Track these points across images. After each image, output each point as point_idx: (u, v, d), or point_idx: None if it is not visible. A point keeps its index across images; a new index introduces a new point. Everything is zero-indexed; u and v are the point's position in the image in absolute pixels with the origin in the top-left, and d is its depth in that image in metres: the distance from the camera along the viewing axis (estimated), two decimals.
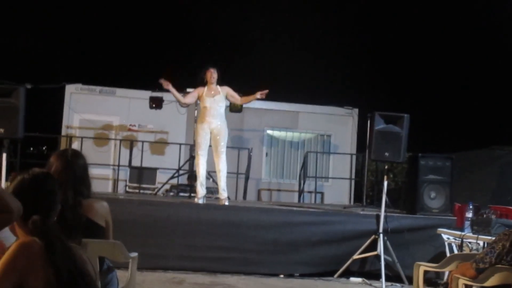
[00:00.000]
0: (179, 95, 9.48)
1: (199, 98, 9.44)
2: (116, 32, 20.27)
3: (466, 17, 18.01)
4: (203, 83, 9.43)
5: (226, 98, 9.44)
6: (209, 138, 9.35)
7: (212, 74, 9.37)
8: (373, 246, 8.59)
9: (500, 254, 3.80)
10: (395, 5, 19.61)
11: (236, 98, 9.58)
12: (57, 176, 3.87)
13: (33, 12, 19.46)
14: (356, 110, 15.78)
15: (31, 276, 2.46)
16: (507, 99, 17.40)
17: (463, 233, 7.30)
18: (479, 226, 7.11)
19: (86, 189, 4.02)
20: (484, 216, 7.28)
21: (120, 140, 14.52)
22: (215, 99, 9.30)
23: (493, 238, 4.10)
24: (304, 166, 14.35)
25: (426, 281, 7.68)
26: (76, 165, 4.00)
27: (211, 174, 10.23)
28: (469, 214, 7.50)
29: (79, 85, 15.04)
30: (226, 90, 9.43)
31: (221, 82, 9.46)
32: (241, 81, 12.23)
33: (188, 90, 12.63)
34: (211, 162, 9.49)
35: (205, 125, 9.30)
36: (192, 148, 11.92)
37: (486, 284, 3.86)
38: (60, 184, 3.73)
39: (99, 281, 2.88)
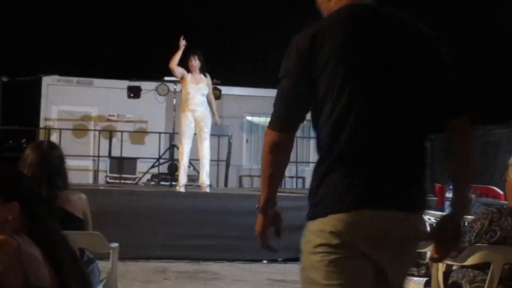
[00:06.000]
0: (177, 58, 9.32)
1: (182, 80, 9.38)
2: (91, 21, 20.11)
3: (452, 4, 18.07)
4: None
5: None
6: (193, 126, 9.32)
7: (192, 62, 9.31)
8: None
9: (479, 233, 3.82)
10: None
11: (210, 95, 9.53)
12: (32, 168, 3.84)
13: (7, 4, 19.25)
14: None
15: (9, 274, 2.44)
16: (486, 78, 17.50)
17: (443, 214, 7.34)
18: None
19: (62, 181, 3.98)
20: None
21: (99, 131, 14.45)
22: (199, 87, 9.27)
23: (473, 217, 4.12)
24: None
25: None
26: (51, 157, 3.96)
27: (191, 162, 10.21)
28: (450, 195, 7.55)
29: (56, 77, 14.94)
30: (209, 81, 9.42)
31: (206, 67, 9.40)
32: (221, 65, 12.19)
33: (166, 78, 12.60)
34: (193, 150, 9.48)
35: (188, 113, 9.27)
36: (172, 137, 11.88)
37: (466, 263, 3.88)
38: (34, 176, 3.71)
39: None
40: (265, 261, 8.55)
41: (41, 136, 13.59)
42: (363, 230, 2.34)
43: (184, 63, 9.40)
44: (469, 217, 6.40)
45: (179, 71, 9.32)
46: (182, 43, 9.29)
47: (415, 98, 2.45)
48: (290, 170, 14.43)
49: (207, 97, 9.44)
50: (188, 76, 9.30)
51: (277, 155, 2.49)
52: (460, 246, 3.90)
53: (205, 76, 9.36)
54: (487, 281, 3.77)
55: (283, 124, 2.48)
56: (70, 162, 4.24)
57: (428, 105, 2.48)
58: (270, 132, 2.48)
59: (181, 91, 9.91)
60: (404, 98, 2.43)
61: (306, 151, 15.62)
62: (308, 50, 2.40)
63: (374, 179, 2.37)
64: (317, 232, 2.39)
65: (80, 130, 14.71)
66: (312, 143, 15.56)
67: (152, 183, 12.15)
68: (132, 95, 13.41)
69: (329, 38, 2.39)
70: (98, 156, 13.75)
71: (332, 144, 2.40)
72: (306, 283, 2.45)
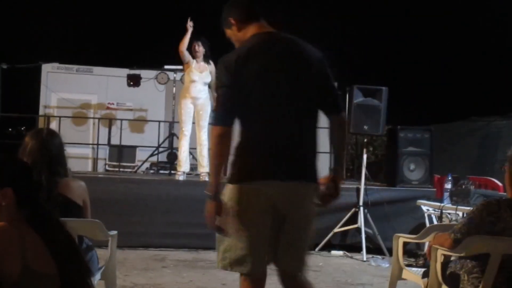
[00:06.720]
0: (187, 40, 9.25)
1: (186, 66, 9.32)
2: (91, 9, 20.06)
3: None
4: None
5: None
6: (193, 113, 9.29)
7: (195, 48, 9.23)
8: (353, 219, 8.63)
9: (478, 224, 3.82)
10: None
11: (213, 82, 9.47)
12: (32, 155, 3.84)
13: None
14: (335, 84, 15.74)
15: (8, 260, 2.44)
16: (486, 69, 17.47)
17: (442, 204, 7.35)
18: (458, 197, 7.17)
19: (62, 168, 3.99)
20: (463, 187, 7.34)
21: (99, 119, 14.42)
22: (202, 75, 9.19)
23: (472, 209, 4.12)
24: None
25: (407, 252, 7.73)
26: (51, 145, 3.97)
27: (190, 151, 10.20)
28: (448, 186, 7.55)
29: (56, 64, 14.86)
30: (213, 68, 9.33)
31: (210, 54, 9.30)
32: (221, 54, 12.07)
33: (166, 66, 12.57)
34: (192, 138, 9.46)
35: (189, 100, 9.22)
36: (172, 125, 11.86)
37: (465, 254, 3.88)
38: (34, 163, 3.71)
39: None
40: None
41: (41, 123, 13.57)
42: (267, 196, 3.29)
43: (188, 49, 9.35)
44: (468, 208, 6.42)
45: (187, 55, 9.26)
46: (190, 24, 9.22)
47: (306, 101, 3.41)
48: None
49: (209, 84, 9.37)
50: (193, 63, 9.22)
51: (223, 145, 3.29)
52: (458, 237, 3.91)
53: (208, 63, 9.28)
54: (485, 272, 3.78)
55: (224, 121, 3.29)
56: (69, 150, 4.25)
57: (315, 105, 3.49)
58: (215, 128, 3.33)
59: (181, 79, 9.85)
60: (298, 102, 3.38)
61: None
62: (234, 68, 3.29)
63: (275, 159, 3.31)
64: (232, 194, 3.32)
65: (79, 118, 14.68)
66: None
67: (151, 171, 12.14)
68: (131, 83, 13.36)
69: (248, 59, 3.31)
70: (98, 144, 13.75)
71: (245, 135, 3.33)
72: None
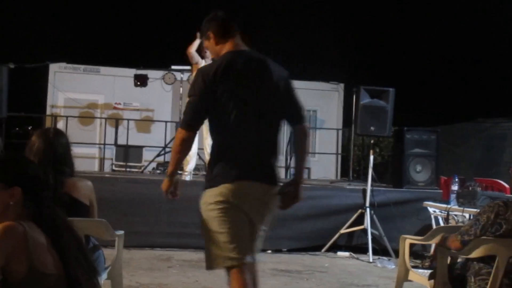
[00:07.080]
0: (195, 45, 9.36)
1: (195, 67, 9.34)
2: (99, 9, 20.08)
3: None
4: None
5: None
6: None
7: (204, 49, 9.28)
8: (360, 220, 8.63)
9: (485, 226, 3.81)
10: None
11: None
12: (39, 155, 3.85)
13: None
14: (342, 85, 15.74)
15: (15, 259, 2.44)
16: (493, 72, 17.43)
17: (449, 206, 7.33)
18: (464, 199, 7.15)
19: (68, 168, 3.99)
20: (470, 188, 7.32)
21: (106, 119, 14.44)
22: None
23: (478, 210, 4.11)
24: (290, 141, 14.31)
25: (413, 253, 7.73)
26: (57, 144, 3.97)
27: (197, 152, 10.20)
28: (455, 187, 7.53)
29: (63, 64, 14.90)
30: None
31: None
32: None
33: (173, 67, 12.57)
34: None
35: None
36: (178, 126, 11.87)
37: (471, 255, 3.87)
38: (41, 163, 3.71)
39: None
40: (269, 251, 8.54)
41: (48, 123, 13.59)
42: (241, 193, 3.68)
43: (197, 51, 9.38)
44: (475, 210, 6.41)
45: (196, 56, 9.32)
46: (199, 35, 9.26)
47: (272, 113, 3.83)
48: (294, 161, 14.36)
49: None
50: (202, 63, 9.25)
51: (184, 146, 3.82)
52: (465, 239, 3.90)
53: None
54: (492, 274, 3.77)
55: (189, 126, 3.77)
56: (76, 150, 4.25)
57: (280, 117, 3.90)
58: (181, 131, 3.79)
59: (188, 79, 9.84)
60: (266, 112, 3.79)
61: (311, 142, 15.56)
62: (211, 79, 3.66)
63: (247, 163, 3.71)
64: (212, 196, 3.73)
65: (86, 118, 14.70)
66: (318, 133, 15.52)
67: (158, 171, 12.13)
68: (138, 83, 13.38)
69: (225, 74, 3.67)
70: (104, 144, 13.76)
71: (221, 142, 3.77)
72: (206, 233, 3.88)
